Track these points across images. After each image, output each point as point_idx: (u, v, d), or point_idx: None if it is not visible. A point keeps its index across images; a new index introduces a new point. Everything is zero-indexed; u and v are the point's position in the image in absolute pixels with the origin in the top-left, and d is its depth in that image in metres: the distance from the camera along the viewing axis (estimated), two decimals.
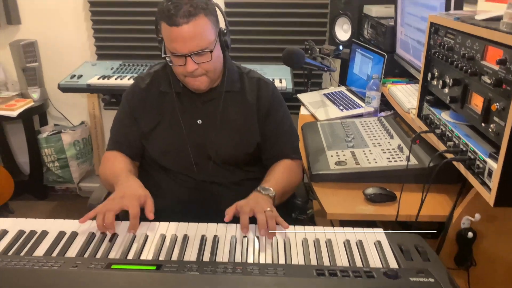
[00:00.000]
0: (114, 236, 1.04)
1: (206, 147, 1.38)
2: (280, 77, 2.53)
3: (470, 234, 1.19)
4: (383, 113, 1.94)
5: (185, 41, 1.21)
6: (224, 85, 1.39)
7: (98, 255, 0.98)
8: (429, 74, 1.32)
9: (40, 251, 0.99)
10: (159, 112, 1.40)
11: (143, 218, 1.11)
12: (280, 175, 1.35)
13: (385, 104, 1.99)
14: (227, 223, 1.10)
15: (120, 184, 1.21)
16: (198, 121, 1.39)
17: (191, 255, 0.98)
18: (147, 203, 1.13)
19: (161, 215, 1.14)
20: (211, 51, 1.25)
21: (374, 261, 0.96)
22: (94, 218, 1.09)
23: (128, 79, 2.49)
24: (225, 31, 1.32)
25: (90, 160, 3.15)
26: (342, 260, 0.96)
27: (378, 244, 1.01)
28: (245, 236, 1.04)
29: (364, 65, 2.21)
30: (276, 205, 1.22)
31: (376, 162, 1.45)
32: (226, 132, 1.39)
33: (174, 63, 1.29)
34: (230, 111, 1.39)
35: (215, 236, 1.04)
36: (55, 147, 2.90)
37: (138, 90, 1.43)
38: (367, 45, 2.21)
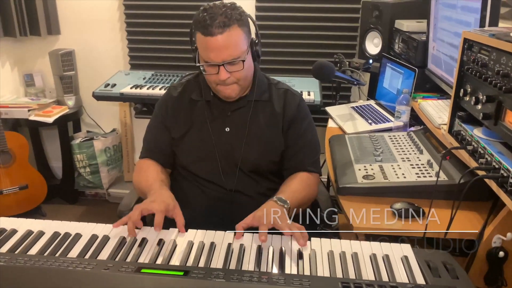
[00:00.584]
0: (144, 241, 1.08)
1: (233, 154, 1.41)
2: (308, 89, 2.55)
3: (501, 254, 1.17)
4: (412, 128, 1.93)
5: (219, 50, 1.25)
6: (254, 94, 1.42)
7: (129, 259, 1.01)
8: (462, 90, 1.31)
9: (74, 252, 1.04)
10: (189, 119, 1.44)
11: (171, 224, 1.14)
12: (297, 187, 1.37)
13: (415, 119, 1.97)
14: (252, 232, 1.11)
15: (153, 193, 1.25)
16: (226, 129, 1.42)
17: (217, 262, 1.00)
18: (177, 215, 1.17)
19: (188, 223, 1.17)
20: (243, 61, 1.29)
21: (401, 276, 0.96)
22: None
23: (160, 89, 2.56)
24: (256, 41, 1.36)
25: (119, 167, 3.23)
26: (368, 274, 0.97)
27: (405, 260, 1.01)
28: (270, 246, 1.05)
29: (394, 79, 2.20)
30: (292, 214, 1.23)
31: (404, 177, 1.44)
32: (252, 140, 1.41)
33: (207, 71, 1.33)
34: (258, 120, 1.42)
35: (241, 245, 1.06)
36: (87, 153, 2.99)
37: (170, 99, 1.48)
38: (397, 60, 2.21)
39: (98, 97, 2.59)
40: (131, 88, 2.59)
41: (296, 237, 1.07)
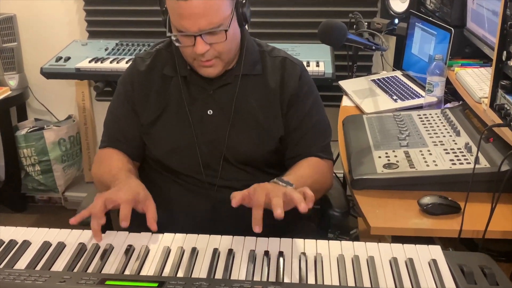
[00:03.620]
0: (109, 248, 1.12)
1: (218, 143, 1.45)
2: (317, 58, 2.59)
3: None
4: (448, 105, 1.97)
5: (195, 17, 1.27)
6: (241, 67, 1.45)
7: (90, 269, 1.05)
8: (505, 52, 1.34)
9: (22, 263, 1.08)
10: (162, 100, 1.47)
11: (144, 228, 1.19)
12: (305, 172, 1.40)
13: (451, 92, 2.01)
14: (245, 236, 1.15)
15: (118, 183, 1.29)
16: (208, 112, 1.45)
17: (200, 271, 1.04)
18: (149, 208, 1.21)
19: (164, 226, 1.21)
20: (226, 30, 1.31)
21: (427, 283, 1.00)
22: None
23: (127, 62, 2.60)
24: (243, 1, 1.36)
25: (78, 164, 3.27)
26: (386, 282, 1.01)
27: (433, 263, 1.06)
28: (266, 251, 1.10)
29: (425, 43, 2.24)
30: None
31: (436, 165, 1.49)
32: (243, 124, 1.45)
33: (181, 43, 1.36)
34: (248, 99, 1.45)
35: (230, 250, 1.10)
36: (36, 147, 3.03)
37: (136, 74, 1.50)
38: (429, 18, 2.24)
39: (48, 74, 2.63)
40: (89, 62, 2.63)
41: (296, 201, 1.08)
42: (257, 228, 1.08)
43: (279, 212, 1.06)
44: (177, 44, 1.37)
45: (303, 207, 1.07)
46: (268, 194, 1.12)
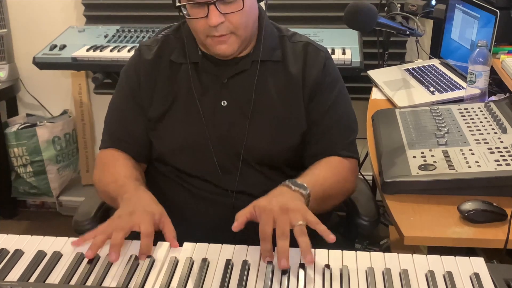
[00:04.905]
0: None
1: (234, 140, 1.45)
2: (343, 45, 2.58)
3: None
4: (493, 97, 1.96)
5: None
6: (260, 52, 1.45)
7: (89, 282, 1.06)
8: None
9: (14, 275, 1.09)
10: (170, 91, 1.48)
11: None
12: (322, 173, 1.40)
13: (497, 84, 2.00)
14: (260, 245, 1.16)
15: (127, 199, 1.29)
16: (222, 103, 1.46)
17: (212, 284, 1.05)
18: (166, 224, 1.22)
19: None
20: None
21: None
22: None
23: (129, 51, 2.62)
24: None
25: (74, 165, 3.30)
26: None
27: (475, 278, 1.05)
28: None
29: (467, 27, 2.22)
30: (314, 212, 1.27)
31: (479, 166, 1.48)
32: (261, 118, 1.45)
33: (191, 15, 1.36)
34: (267, 88, 1.46)
35: (244, 261, 1.11)
36: (28, 145, 3.06)
37: (142, 63, 1.51)
38: None
39: (42, 64, 2.65)
40: (87, 50, 2.65)
41: (303, 251, 1.09)
42: (268, 258, 1.10)
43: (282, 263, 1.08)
44: (187, 17, 1.37)
45: (331, 238, 1.11)
46: (276, 219, 1.14)
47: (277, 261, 1.08)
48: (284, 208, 1.16)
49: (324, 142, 1.48)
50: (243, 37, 1.40)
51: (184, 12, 1.37)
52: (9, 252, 1.17)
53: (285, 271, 1.07)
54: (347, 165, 1.49)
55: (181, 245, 1.20)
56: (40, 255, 1.15)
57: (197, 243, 1.18)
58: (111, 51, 2.63)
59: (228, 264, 1.11)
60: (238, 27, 1.36)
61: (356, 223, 1.54)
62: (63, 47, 2.70)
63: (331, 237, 1.11)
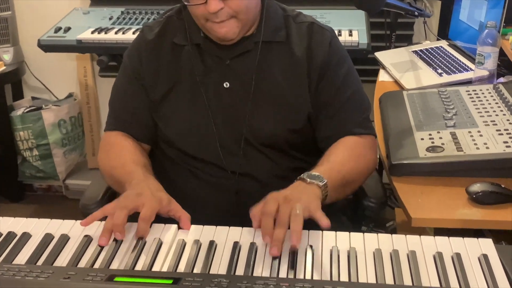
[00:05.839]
0: (117, 241, 1.14)
1: (237, 121, 1.45)
2: (350, 27, 2.57)
3: None
4: (502, 79, 1.95)
5: None
6: (262, 33, 1.45)
7: (97, 265, 1.07)
8: None
9: (22, 257, 1.10)
10: (172, 73, 1.48)
11: (155, 220, 1.20)
12: (338, 157, 1.39)
13: (506, 65, 1.99)
14: None
15: (136, 183, 1.29)
16: (225, 84, 1.46)
17: (219, 266, 1.05)
18: (178, 209, 1.23)
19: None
20: None
21: (477, 281, 1.00)
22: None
23: (134, 33, 2.61)
24: None
25: (80, 148, 3.31)
26: (430, 279, 1.01)
27: (484, 259, 1.05)
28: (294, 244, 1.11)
29: (475, 8, 2.21)
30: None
31: (487, 148, 1.48)
32: (265, 99, 1.45)
33: (190, 1, 1.35)
34: (271, 69, 1.45)
35: (252, 244, 1.12)
36: (34, 129, 3.07)
37: (144, 44, 1.51)
38: None
39: (46, 47, 2.66)
40: (92, 32, 2.65)
41: (291, 232, 1.09)
42: (266, 239, 1.10)
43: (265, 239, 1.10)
44: (186, 2, 1.36)
45: (325, 223, 1.10)
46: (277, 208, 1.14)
47: (269, 249, 1.08)
48: (288, 199, 1.16)
49: (337, 121, 1.47)
50: (244, 21, 1.38)
51: None
52: (16, 235, 1.18)
53: (293, 253, 1.07)
54: (364, 143, 1.47)
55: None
56: (48, 238, 1.16)
57: (205, 226, 1.19)
58: (116, 33, 2.63)
59: (236, 246, 1.11)
60: (238, 12, 1.35)
61: (363, 205, 1.54)
62: (68, 29, 2.70)
63: (324, 222, 1.10)
